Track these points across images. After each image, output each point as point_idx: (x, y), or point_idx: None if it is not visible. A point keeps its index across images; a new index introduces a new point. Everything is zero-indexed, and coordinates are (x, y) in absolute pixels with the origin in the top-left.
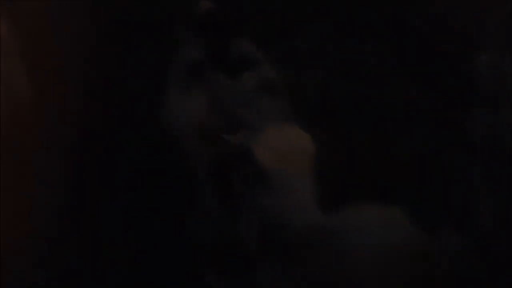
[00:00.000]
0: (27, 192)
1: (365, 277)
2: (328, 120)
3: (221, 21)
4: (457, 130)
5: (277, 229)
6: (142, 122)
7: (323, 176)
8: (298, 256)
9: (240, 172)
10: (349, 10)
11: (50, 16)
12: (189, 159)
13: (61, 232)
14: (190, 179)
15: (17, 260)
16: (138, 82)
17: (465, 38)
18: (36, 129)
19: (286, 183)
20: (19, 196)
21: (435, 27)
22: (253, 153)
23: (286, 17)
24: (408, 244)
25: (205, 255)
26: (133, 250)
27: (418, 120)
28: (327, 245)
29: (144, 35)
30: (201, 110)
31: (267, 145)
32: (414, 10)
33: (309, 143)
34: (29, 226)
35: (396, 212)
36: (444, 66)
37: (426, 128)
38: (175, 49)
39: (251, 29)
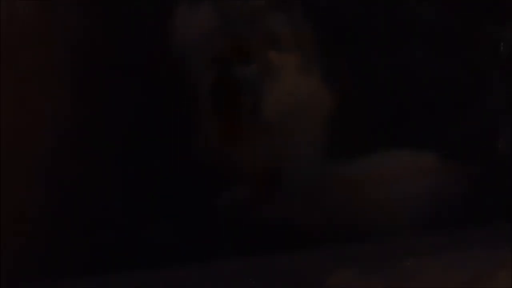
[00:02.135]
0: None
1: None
2: (343, 42)
3: None
4: (485, 52)
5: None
6: (148, 36)
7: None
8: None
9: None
10: None
11: None
12: (191, 79)
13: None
14: (190, 99)
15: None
16: None
17: None
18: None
19: (289, 135)
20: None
21: None
22: (261, 99)
23: None
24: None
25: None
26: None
27: (444, 43)
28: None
29: None
30: (208, 28)
31: (278, 95)
32: None
33: (325, 96)
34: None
35: (429, 157)
36: None
37: (453, 52)
38: None
39: None
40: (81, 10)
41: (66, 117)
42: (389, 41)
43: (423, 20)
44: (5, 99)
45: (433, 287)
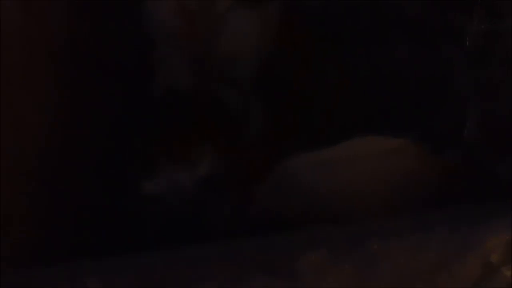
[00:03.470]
0: None
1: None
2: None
3: None
4: (456, 40)
5: None
6: (122, 19)
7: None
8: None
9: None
10: None
11: None
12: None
13: None
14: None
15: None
16: None
17: None
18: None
19: None
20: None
21: None
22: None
23: None
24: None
25: None
26: None
27: (418, 31)
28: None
29: None
30: (180, 12)
31: None
32: None
33: None
34: None
35: (404, 141)
36: None
37: (427, 40)
38: None
39: None
40: (72, 12)
41: (60, 118)
42: (359, 33)
43: (391, 11)
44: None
45: (401, 268)
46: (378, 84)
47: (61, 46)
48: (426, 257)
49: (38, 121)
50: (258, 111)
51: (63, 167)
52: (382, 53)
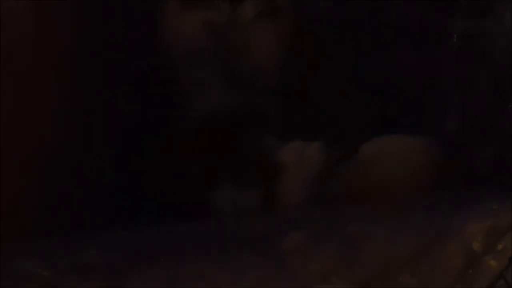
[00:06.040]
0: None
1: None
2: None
3: None
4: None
5: None
6: (139, 41)
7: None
8: None
9: None
10: None
11: None
12: (183, 81)
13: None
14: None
15: None
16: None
17: None
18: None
19: None
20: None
21: None
22: None
23: None
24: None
25: None
26: None
27: (417, 35)
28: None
29: None
30: (198, 34)
31: None
32: None
33: None
34: None
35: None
36: None
37: (424, 43)
38: None
39: None
40: (77, 12)
41: (63, 117)
42: (360, 38)
43: (378, 11)
44: (3, 99)
45: (382, 250)
46: (376, 85)
47: (71, 52)
48: (405, 240)
49: (48, 122)
50: (287, 114)
51: (69, 165)
52: (380, 57)
